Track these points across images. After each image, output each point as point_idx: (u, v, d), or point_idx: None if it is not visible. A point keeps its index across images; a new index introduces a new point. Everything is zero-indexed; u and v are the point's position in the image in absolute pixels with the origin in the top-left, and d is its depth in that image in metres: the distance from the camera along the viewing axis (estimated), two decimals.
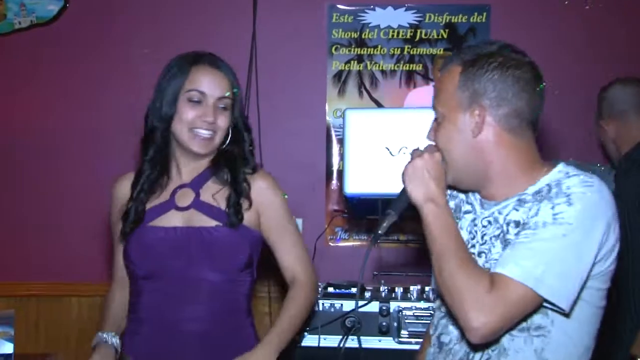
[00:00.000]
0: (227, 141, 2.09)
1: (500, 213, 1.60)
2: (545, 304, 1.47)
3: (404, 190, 1.61)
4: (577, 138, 3.35)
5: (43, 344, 3.33)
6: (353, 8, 3.54)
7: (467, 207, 1.71)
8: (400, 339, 2.70)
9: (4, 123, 3.53)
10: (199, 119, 2.01)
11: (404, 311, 2.71)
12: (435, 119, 1.66)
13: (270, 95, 3.49)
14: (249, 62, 3.47)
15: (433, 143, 1.65)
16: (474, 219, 1.67)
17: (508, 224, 1.57)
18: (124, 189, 2.10)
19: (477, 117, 1.56)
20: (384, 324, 2.70)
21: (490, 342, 1.51)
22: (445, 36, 3.53)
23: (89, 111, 3.51)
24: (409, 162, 1.61)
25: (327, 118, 3.55)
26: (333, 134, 3.53)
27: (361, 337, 2.67)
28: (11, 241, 3.49)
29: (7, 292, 3.40)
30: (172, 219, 2.04)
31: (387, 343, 2.70)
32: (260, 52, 3.50)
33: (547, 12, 3.39)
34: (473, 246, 1.62)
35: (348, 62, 3.56)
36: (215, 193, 2.04)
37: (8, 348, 3.05)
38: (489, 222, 1.62)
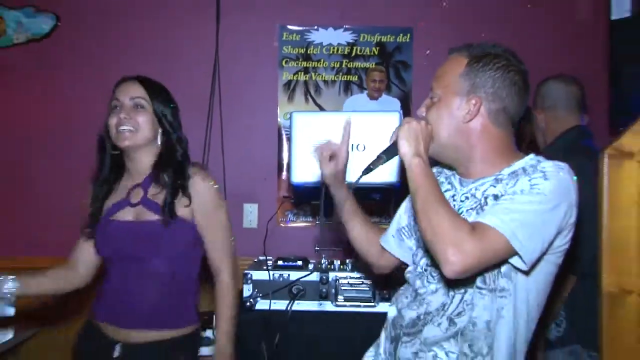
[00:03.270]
0: (163, 148, 2.05)
1: (477, 189, 1.55)
2: (510, 261, 1.43)
3: (395, 144, 1.54)
4: None
5: (38, 311, 3.20)
6: (300, 28, 3.50)
7: (447, 187, 1.65)
8: (337, 303, 2.70)
9: (3, 123, 3.42)
10: (119, 120, 2.00)
11: (340, 280, 2.71)
12: (431, 97, 1.59)
13: (231, 101, 3.44)
14: (213, 72, 3.41)
15: (423, 115, 1.59)
16: (453, 195, 1.60)
17: (486, 198, 1.51)
18: None
19: (472, 106, 1.52)
20: (323, 290, 2.70)
21: (465, 295, 1.51)
22: (376, 53, 3.51)
23: (76, 116, 3.40)
24: (406, 122, 1.53)
25: (279, 119, 3.50)
26: (283, 133, 3.48)
27: (304, 301, 2.70)
28: (10, 222, 3.39)
29: (7, 265, 3.26)
30: (126, 214, 2.03)
31: (326, 306, 2.70)
32: (222, 64, 3.44)
33: (462, 35, 3.38)
34: None
35: (296, 73, 3.51)
36: (157, 193, 2.01)
37: (10, 312, 3.13)
38: (466, 197, 1.56)
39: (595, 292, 2.04)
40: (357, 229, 1.84)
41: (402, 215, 1.83)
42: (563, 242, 1.50)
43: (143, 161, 2.05)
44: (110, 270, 2.06)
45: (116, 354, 1.97)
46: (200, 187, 2.02)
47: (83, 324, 2.12)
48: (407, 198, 1.84)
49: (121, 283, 2.01)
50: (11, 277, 2.02)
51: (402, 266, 1.83)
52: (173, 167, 2.02)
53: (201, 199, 2.01)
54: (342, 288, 2.71)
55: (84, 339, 2.08)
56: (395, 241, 1.82)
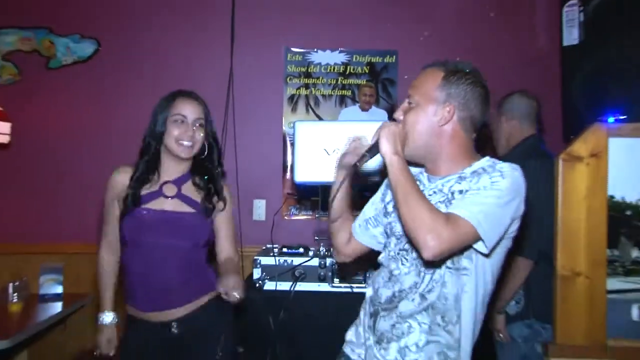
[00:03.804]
0: (205, 153, 2.15)
1: (443, 185, 1.59)
2: (474, 245, 1.48)
3: (377, 143, 1.57)
4: None
5: (83, 288, 3.35)
6: (302, 50, 3.59)
7: (417, 183, 1.65)
8: (333, 284, 2.74)
9: (54, 128, 3.52)
10: (183, 134, 2.08)
11: (336, 265, 2.74)
12: (409, 103, 1.63)
13: (244, 111, 3.53)
14: (227, 86, 3.50)
15: (400, 119, 1.63)
16: (422, 190, 1.59)
17: (452, 193, 1.55)
18: (123, 178, 2.11)
19: (446, 113, 1.57)
20: (321, 274, 2.73)
21: (434, 275, 1.56)
22: (367, 71, 3.59)
23: (113, 122, 3.51)
24: (386, 126, 1.57)
25: (283, 128, 3.58)
26: (287, 139, 3.56)
27: (305, 283, 2.73)
28: (61, 213, 3.48)
29: (58, 250, 3.43)
30: (160, 204, 2.08)
31: (324, 287, 2.73)
32: (235, 79, 3.54)
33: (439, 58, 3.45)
34: None
35: (298, 88, 3.60)
36: (192, 192, 2.12)
37: (59, 289, 3.24)
38: (434, 192, 1.60)
39: (549, 274, 2.14)
40: (344, 204, 1.83)
41: (370, 207, 1.87)
42: (514, 229, 1.58)
43: (184, 165, 2.15)
44: (132, 255, 2.06)
45: (175, 330, 2.03)
46: (228, 199, 2.18)
47: (126, 322, 2.12)
48: (377, 193, 1.91)
49: (146, 268, 2.02)
50: (109, 314, 2.11)
51: (361, 257, 1.89)
52: (208, 175, 2.14)
53: (227, 208, 2.18)
54: (338, 272, 2.72)
55: (134, 334, 2.09)
56: (362, 229, 1.85)
